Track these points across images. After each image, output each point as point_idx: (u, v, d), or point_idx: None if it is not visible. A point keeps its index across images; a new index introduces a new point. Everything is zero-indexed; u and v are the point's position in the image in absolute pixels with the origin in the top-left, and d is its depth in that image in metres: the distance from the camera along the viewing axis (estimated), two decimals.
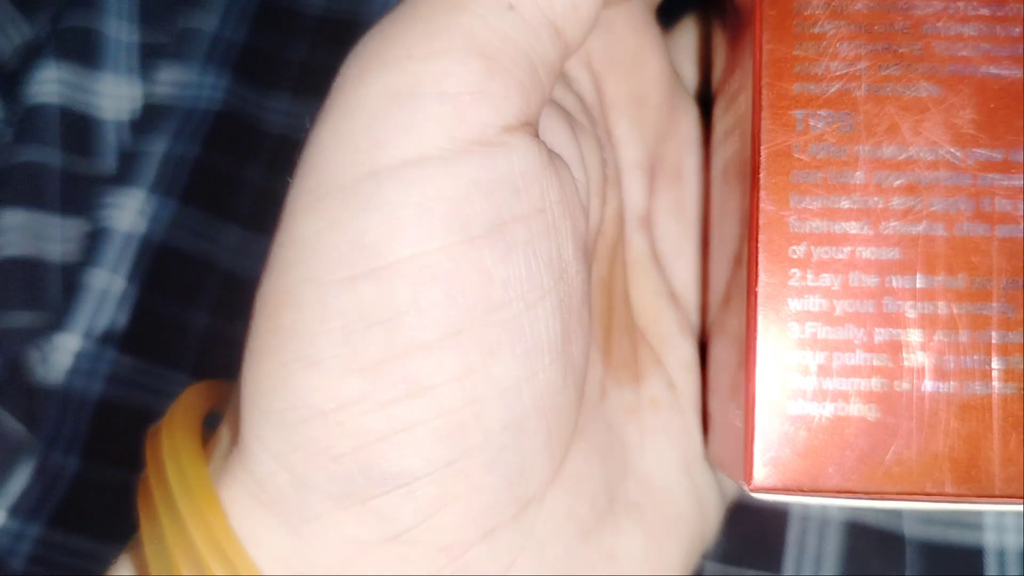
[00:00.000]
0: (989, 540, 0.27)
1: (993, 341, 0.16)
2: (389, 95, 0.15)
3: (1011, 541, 0.27)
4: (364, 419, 0.15)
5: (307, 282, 0.15)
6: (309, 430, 0.15)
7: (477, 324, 0.15)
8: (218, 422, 0.18)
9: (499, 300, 0.15)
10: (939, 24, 0.16)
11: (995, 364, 0.15)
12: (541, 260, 0.15)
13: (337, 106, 0.15)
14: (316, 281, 0.15)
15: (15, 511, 0.30)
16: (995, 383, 0.15)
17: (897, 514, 0.27)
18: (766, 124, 0.16)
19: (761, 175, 0.16)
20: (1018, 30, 0.16)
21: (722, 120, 0.19)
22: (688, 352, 0.20)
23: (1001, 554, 0.27)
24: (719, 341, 0.19)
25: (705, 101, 0.22)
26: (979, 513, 0.28)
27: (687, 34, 0.22)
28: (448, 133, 0.15)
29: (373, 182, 0.15)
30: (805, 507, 0.28)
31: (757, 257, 0.16)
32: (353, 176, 0.15)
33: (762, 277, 0.16)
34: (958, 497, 0.15)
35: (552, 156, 0.16)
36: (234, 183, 0.34)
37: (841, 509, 0.28)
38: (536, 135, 0.16)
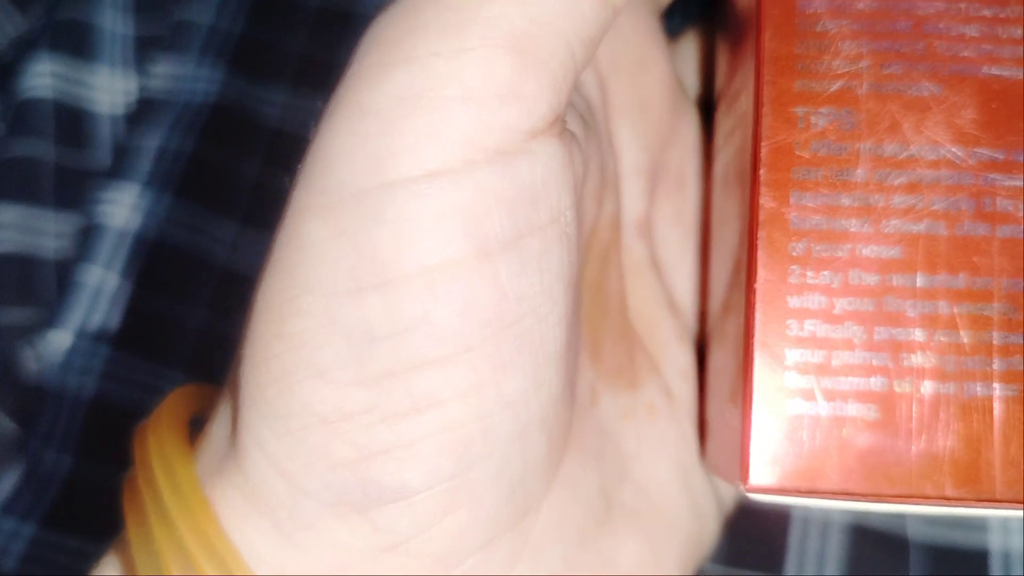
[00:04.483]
0: (994, 542, 0.27)
1: (994, 342, 0.15)
2: (411, 97, 0.14)
3: (1016, 543, 0.27)
4: (367, 431, 0.14)
5: (313, 291, 0.14)
6: (309, 438, 0.14)
7: (489, 340, 0.14)
8: (202, 425, 0.17)
9: (513, 316, 0.14)
10: (941, 24, 0.16)
11: (996, 366, 0.15)
12: (554, 271, 0.15)
13: (353, 101, 0.14)
14: (323, 291, 0.14)
15: (8, 510, 0.30)
16: (996, 385, 0.15)
17: (900, 516, 0.27)
18: (767, 121, 0.16)
19: (761, 171, 0.16)
20: (1019, 32, 0.16)
21: (724, 122, 0.19)
22: (686, 360, 0.20)
23: (1006, 556, 0.27)
24: (719, 347, 0.18)
25: (706, 112, 0.21)
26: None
27: (690, 45, 0.22)
28: (472, 142, 0.14)
29: (387, 193, 0.14)
30: (807, 509, 0.28)
31: (756, 254, 0.16)
32: (366, 185, 0.14)
33: (761, 274, 0.16)
34: (958, 500, 0.15)
35: (572, 151, 0.15)
36: (230, 177, 0.34)
37: (843, 511, 0.28)
38: (561, 130, 0.15)
